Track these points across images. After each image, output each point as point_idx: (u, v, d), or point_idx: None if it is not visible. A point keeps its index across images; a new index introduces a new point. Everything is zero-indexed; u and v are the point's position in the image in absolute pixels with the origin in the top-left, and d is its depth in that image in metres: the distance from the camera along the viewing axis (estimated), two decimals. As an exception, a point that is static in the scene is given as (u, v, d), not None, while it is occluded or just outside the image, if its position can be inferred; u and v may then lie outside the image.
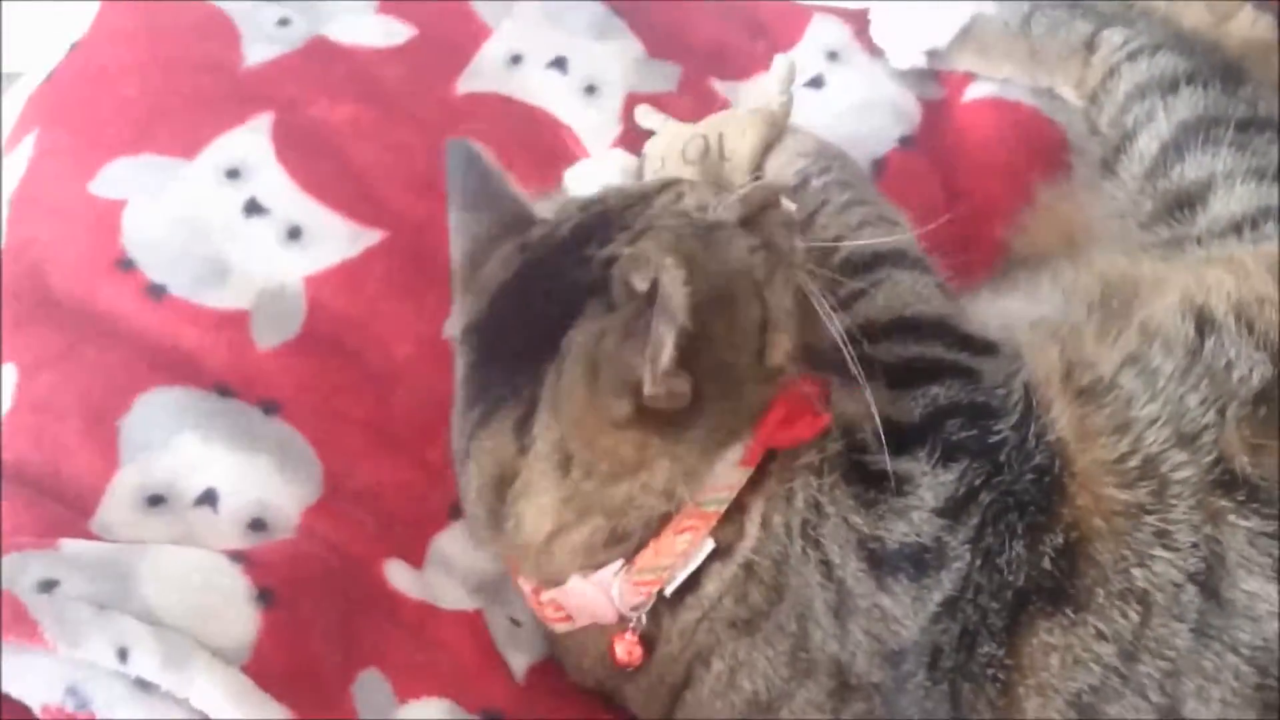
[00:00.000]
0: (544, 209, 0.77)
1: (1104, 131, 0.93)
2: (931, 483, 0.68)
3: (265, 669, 0.65)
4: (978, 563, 0.68)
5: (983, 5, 0.99)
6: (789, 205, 0.78)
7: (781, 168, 0.87)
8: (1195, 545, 0.67)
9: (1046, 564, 0.68)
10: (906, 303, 0.77)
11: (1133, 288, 0.79)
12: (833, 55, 1.03)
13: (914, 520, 0.68)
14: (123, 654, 0.61)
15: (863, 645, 0.69)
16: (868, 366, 0.69)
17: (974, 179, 0.97)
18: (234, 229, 0.84)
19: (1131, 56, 0.93)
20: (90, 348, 0.78)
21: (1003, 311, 0.83)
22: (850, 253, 0.79)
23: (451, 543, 0.78)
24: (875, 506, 0.69)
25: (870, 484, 0.69)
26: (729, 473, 0.67)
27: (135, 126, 0.88)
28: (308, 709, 0.65)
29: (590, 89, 0.99)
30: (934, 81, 1.03)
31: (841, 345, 0.69)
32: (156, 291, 0.81)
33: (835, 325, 0.70)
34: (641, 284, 0.63)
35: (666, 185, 0.74)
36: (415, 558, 0.76)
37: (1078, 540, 0.68)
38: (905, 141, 0.99)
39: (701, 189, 0.74)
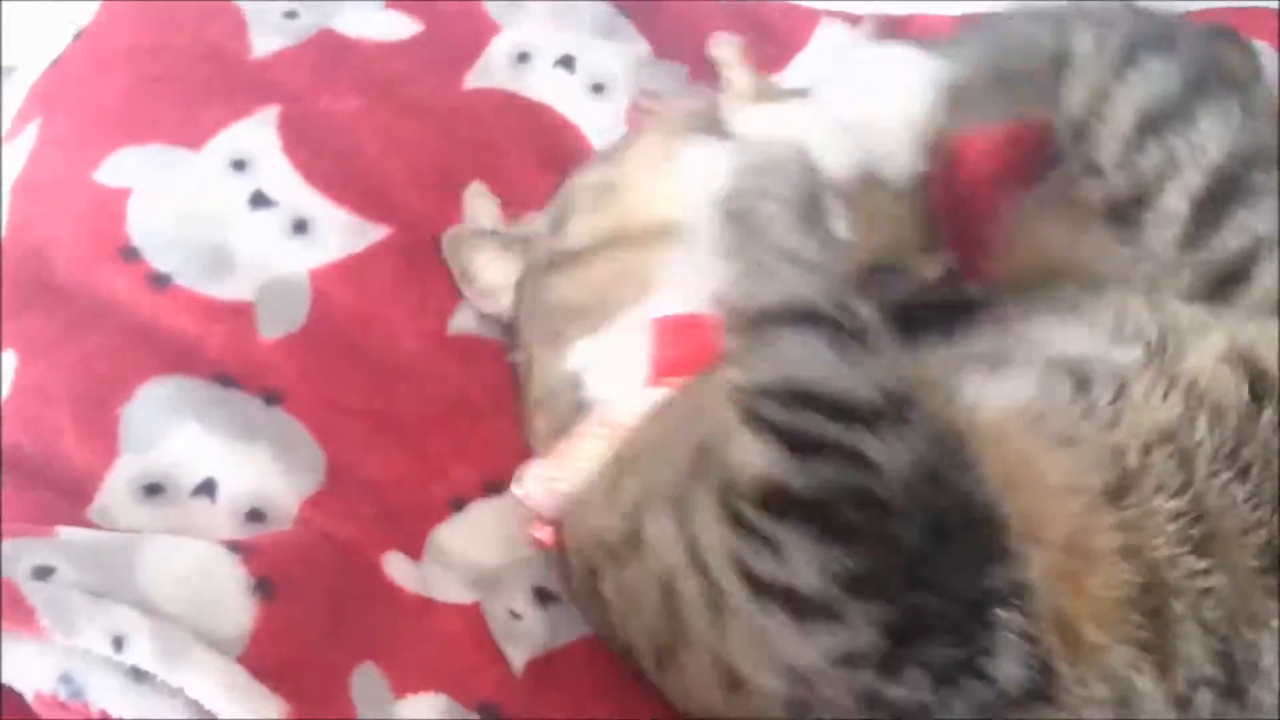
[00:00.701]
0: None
1: (1108, 173, 0.78)
2: (813, 553, 0.62)
3: (262, 661, 0.64)
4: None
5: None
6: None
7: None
8: (1219, 654, 0.64)
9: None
10: (788, 370, 0.66)
11: (1178, 329, 0.72)
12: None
13: (786, 568, 0.63)
14: (118, 642, 0.60)
15: (744, 647, 0.65)
16: (757, 422, 0.65)
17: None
18: (239, 220, 0.84)
19: (1115, 68, 0.79)
20: (92, 335, 0.78)
21: (1047, 339, 0.74)
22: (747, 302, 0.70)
23: (451, 536, 0.77)
24: (747, 540, 0.64)
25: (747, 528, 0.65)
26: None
27: (141, 115, 0.87)
28: (305, 702, 0.64)
29: (597, 88, 0.99)
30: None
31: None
32: (160, 281, 0.80)
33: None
34: None
35: None
36: (414, 550, 0.76)
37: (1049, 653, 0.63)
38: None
39: None
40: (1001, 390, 0.71)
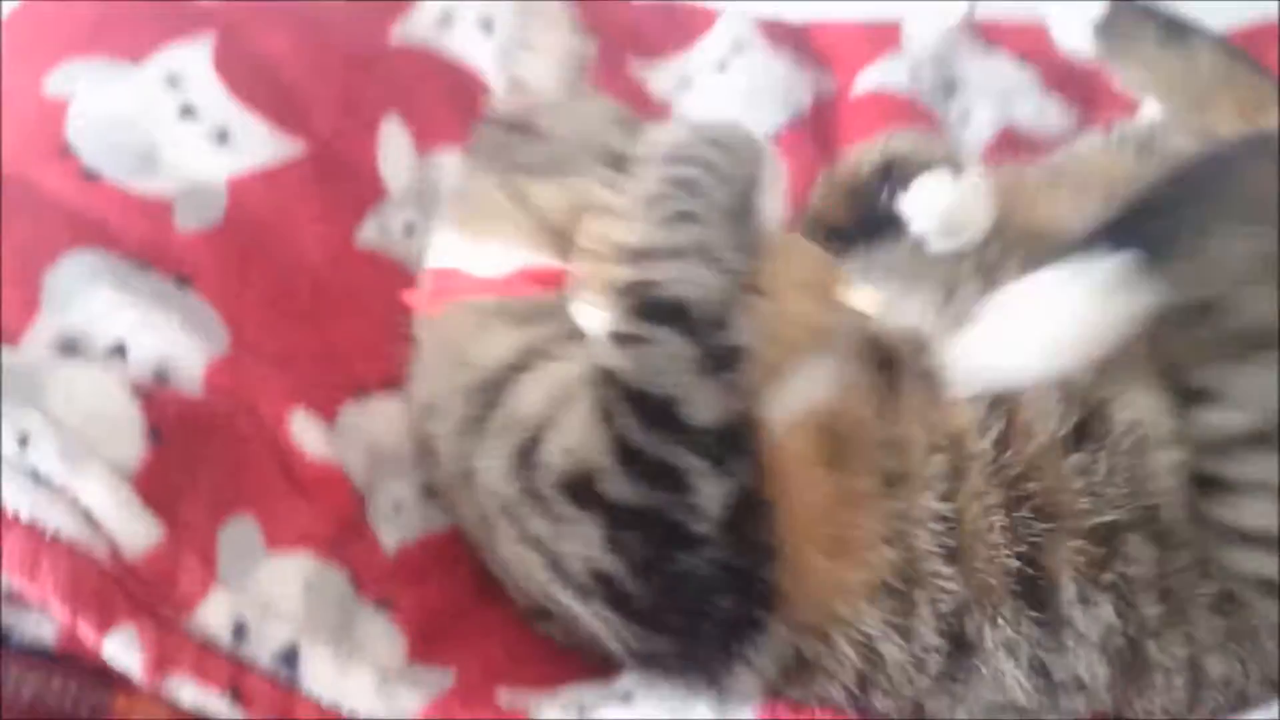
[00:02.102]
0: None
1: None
2: (586, 543, 0.70)
3: (143, 494, 0.70)
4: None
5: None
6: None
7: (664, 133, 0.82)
8: (942, 632, 0.70)
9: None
10: (648, 377, 0.70)
11: None
12: (737, 46, 1.14)
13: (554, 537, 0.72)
14: (23, 440, 0.67)
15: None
16: (603, 408, 0.70)
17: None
18: (167, 128, 0.90)
19: None
20: (25, 214, 0.84)
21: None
22: (649, 286, 0.73)
23: (360, 412, 0.85)
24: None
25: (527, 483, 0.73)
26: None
27: (89, 31, 0.94)
28: (177, 535, 0.70)
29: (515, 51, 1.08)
30: (829, 75, 1.14)
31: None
32: (90, 175, 0.87)
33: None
34: None
35: None
36: (328, 415, 0.83)
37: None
38: (794, 124, 1.09)
39: None
40: (801, 384, 0.75)
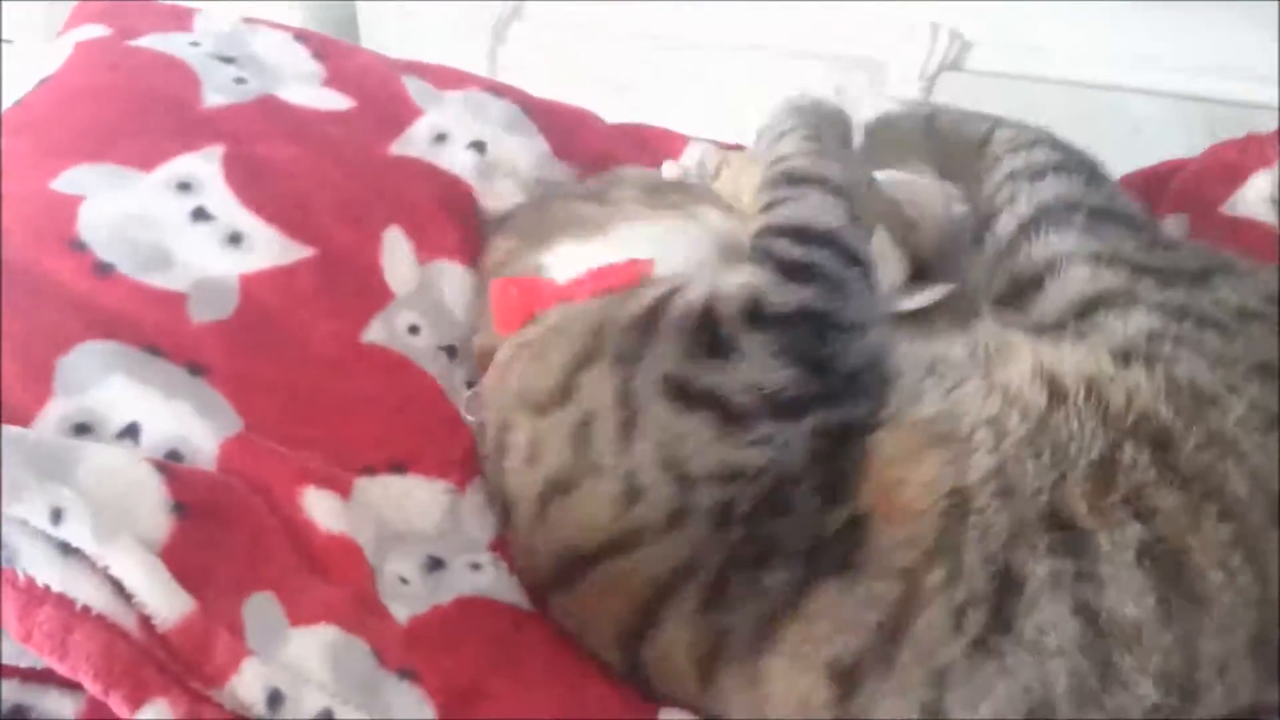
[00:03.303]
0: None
1: (979, 213, 1.01)
2: (762, 365, 0.81)
3: (171, 569, 0.70)
4: (777, 473, 0.79)
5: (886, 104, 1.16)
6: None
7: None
8: (992, 574, 0.76)
9: (834, 528, 0.77)
10: (804, 215, 0.90)
11: (1002, 349, 0.88)
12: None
13: (729, 377, 0.81)
14: (56, 515, 0.67)
15: (649, 457, 0.80)
16: (763, 255, 0.87)
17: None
18: (181, 229, 0.94)
19: (1013, 149, 1.03)
20: (38, 304, 0.85)
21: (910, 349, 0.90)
22: (787, 170, 0.94)
23: (370, 487, 0.86)
24: (697, 359, 0.82)
25: (704, 345, 0.82)
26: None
27: (97, 140, 0.98)
28: (205, 610, 0.70)
29: (503, 171, 1.14)
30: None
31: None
32: (104, 269, 0.89)
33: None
34: None
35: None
36: (343, 490, 0.84)
37: (865, 518, 0.78)
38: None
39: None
40: None
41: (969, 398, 0.83)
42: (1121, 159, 1.21)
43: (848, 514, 0.78)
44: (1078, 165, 1.00)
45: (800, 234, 0.89)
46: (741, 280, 0.86)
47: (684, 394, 0.81)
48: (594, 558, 0.81)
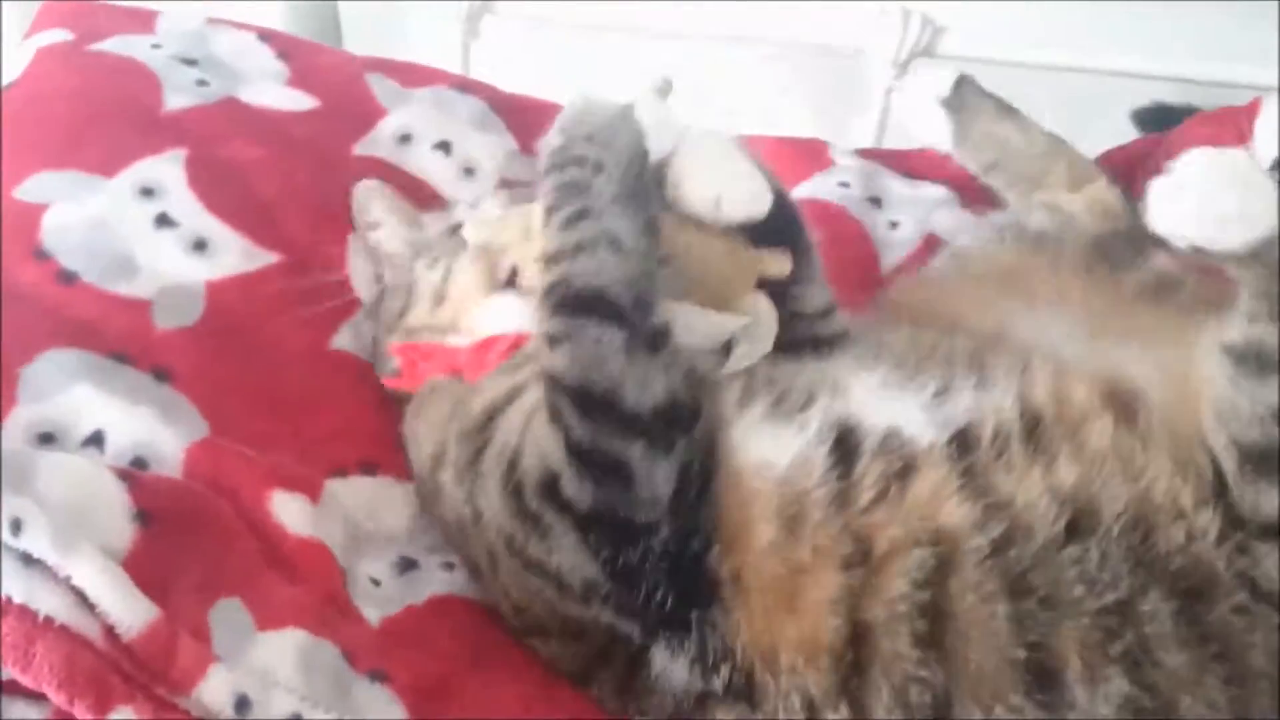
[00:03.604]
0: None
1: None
2: (573, 552, 0.73)
3: (135, 577, 0.69)
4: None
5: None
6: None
7: (545, 142, 0.86)
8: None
9: (718, 676, 0.72)
10: (582, 371, 0.74)
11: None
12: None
13: (551, 556, 0.74)
14: (16, 526, 0.66)
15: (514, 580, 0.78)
16: (551, 392, 0.74)
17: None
18: (144, 236, 0.93)
19: None
20: (2, 312, 0.85)
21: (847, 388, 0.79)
22: (564, 284, 0.77)
23: (342, 489, 0.86)
24: (521, 522, 0.75)
25: (522, 513, 0.75)
26: None
27: (59, 146, 0.97)
28: (170, 618, 0.69)
29: (469, 170, 1.14)
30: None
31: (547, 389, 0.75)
32: (68, 277, 0.89)
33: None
34: None
35: None
36: (312, 493, 0.83)
37: (751, 662, 0.71)
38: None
39: None
40: (764, 442, 0.77)
41: (911, 497, 0.73)
42: (1098, 142, 1.22)
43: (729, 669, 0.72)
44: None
45: (578, 398, 0.73)
46: (540, 450, 0.74)
47: (520, 555, 0.76)
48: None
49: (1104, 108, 1.32)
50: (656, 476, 0.72)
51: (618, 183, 0.80)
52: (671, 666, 0.73)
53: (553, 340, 0.75)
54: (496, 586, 0.80)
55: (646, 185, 0.82)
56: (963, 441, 0.75)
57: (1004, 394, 0.77)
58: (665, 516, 0.72)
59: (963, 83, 1.16)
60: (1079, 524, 0.71)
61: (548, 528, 0.74)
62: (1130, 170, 1.18)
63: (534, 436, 0.75)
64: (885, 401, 0.78)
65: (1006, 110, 1.16)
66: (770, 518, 0.73)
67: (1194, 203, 0.77)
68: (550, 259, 0.78)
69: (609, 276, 0.76)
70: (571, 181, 0.81)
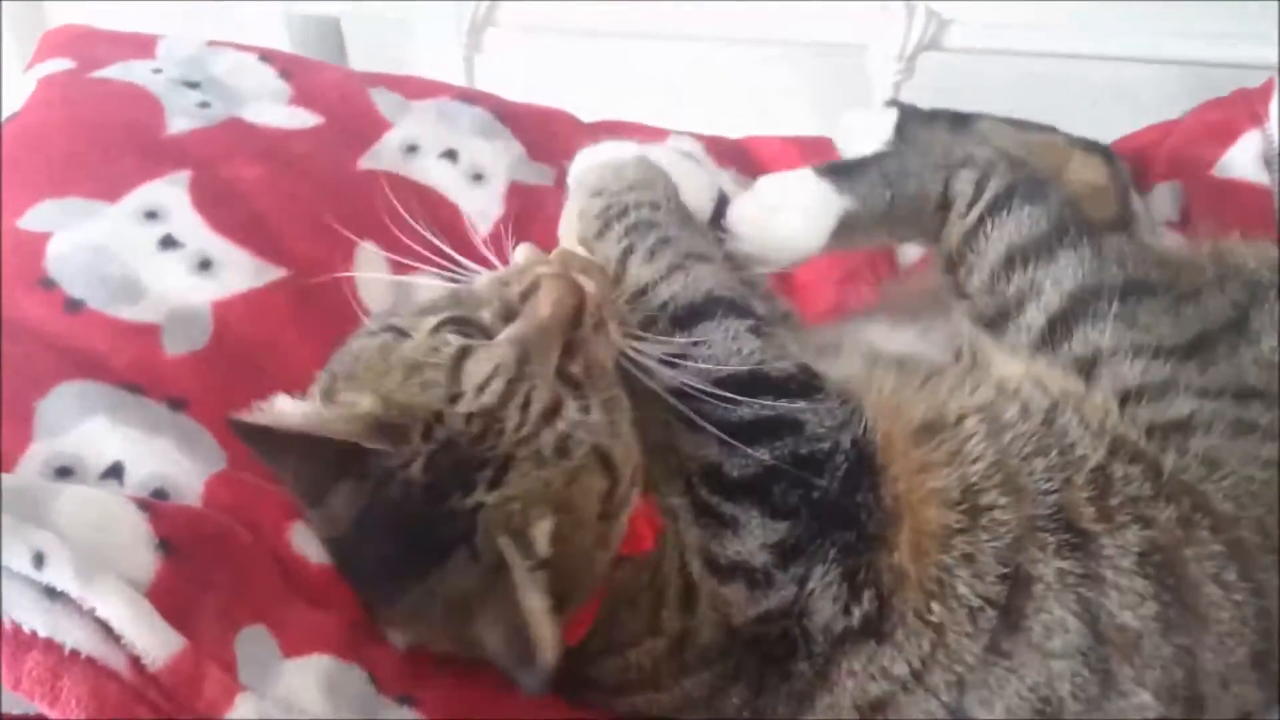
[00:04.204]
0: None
1: (973, 294, 0.91)
2: (761, 528, 0.78)
3: (160, 607, 0.68)
4: (803, 599, 0.78)
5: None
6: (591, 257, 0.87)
7: (583, 210, 0.92)
8: (1003, 576, 0.77)
9: (860, 608, 0.78)
10: (721, 362, 0.81)
11: (990, 355, 0.89)
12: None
13: (745, 546, 0.78)
14: (39, 559, 0.65)
15: (708, 618, 0.78)
16: (702, 420, 0.79)
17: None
18: (149, 259, 0.92)
19: (992, 210, 0.91)
20: (13, 345, 0.84)
21: (873, 339, 0.92)
22: (669, 305, 0.84)
23: None
24: (711, 530, 0.79)
25: (710, 515, 0.79)
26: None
27: (62, 174, 0.97)
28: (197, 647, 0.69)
29: (477, 177, 1.13)
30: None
31: (678, 406, 0.79)
32: (74, 305, 0.88)
33: (668, 397, 0.80)
34: (508, 547, 0.70)
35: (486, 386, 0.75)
36: None
37: (891, 590, 0.78)
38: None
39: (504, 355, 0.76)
40: (837, 366, 0.88)
41: (947, 388, 0.85)
42: (1111, 128, 1.20)
43: (868, 600, 0.78)
44: (1075, 228, 0.91)
45: (724, 386, 0.80)
46: (696, 452, 0.80)
47: (716, 568, 0.78)
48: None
49: (1116, 95, 1.31)
50: (822, 411, 0.80)
51: (676, 212, 0.90)
52: (822, 599, 0.77)
53: (681, 355, 0.81)
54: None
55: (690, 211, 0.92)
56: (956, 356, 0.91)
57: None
58: (838, 434, 0.80)
59: (905, 120, 1.11)
60: (1052, 404, 0.85)
61: (732, 519, 0.78)
62: (1141, 158, 1.17)
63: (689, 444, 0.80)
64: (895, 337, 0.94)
65: (959, 121, 1.12)
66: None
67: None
68: (640, 292, 0.85)
69: (711, 281, 0.85)
70: (637, 222, 0.89)
